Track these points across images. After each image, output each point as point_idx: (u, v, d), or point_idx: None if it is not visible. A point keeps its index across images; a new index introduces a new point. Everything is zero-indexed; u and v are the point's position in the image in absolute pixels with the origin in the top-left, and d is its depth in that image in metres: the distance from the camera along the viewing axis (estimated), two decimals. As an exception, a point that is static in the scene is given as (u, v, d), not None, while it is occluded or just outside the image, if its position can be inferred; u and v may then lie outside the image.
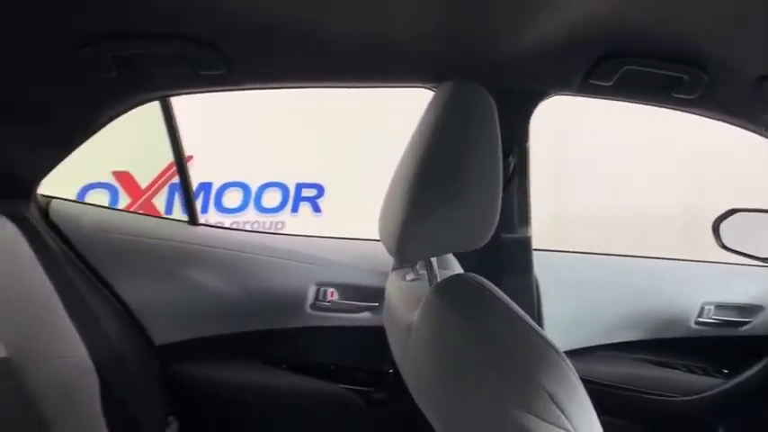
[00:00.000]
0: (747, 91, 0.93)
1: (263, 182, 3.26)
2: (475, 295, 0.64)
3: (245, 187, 3.25)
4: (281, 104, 2.78)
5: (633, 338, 1.34)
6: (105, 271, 1.19)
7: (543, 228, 1.27)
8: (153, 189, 3.01)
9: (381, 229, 0.76)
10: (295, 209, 3.32)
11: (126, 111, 1.05)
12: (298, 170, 3.25)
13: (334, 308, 1.25)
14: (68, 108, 1.00)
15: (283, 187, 3.30)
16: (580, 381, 0.56)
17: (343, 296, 1.25)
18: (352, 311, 1.25)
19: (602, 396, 0.72)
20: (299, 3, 0.78)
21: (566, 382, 0.55)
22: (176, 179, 3.12)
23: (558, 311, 1.22)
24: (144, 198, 3.00)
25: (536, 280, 1.19)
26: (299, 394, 1.24)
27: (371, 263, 1.26)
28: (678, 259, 1.43)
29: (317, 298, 1.24)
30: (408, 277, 0.91)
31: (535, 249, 1.18)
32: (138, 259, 1.22)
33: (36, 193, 1.15)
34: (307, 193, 3.33)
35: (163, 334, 1.24)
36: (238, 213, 3.19)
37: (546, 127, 1.23)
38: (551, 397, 0.53)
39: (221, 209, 3.18)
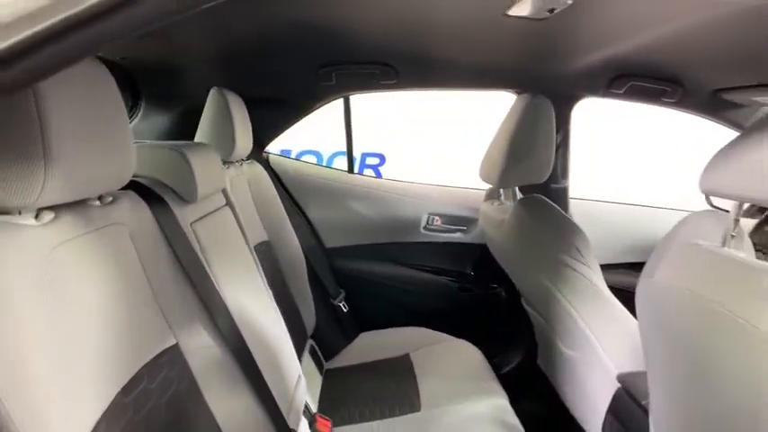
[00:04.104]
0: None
1: (335, 150, 3.81)
2: (542, 204, 1.31)
3: (317, 154, 3.86)
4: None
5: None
6: (299, 199, 1.87)
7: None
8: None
9: (483, 172, 1.42)
10: (360, 173, 3.88)
11: (328, 102, 1.71)
12: (363, 143, 3.75)
13: (439, 229, 1.88)
14: (302, 100, 1.68)
15: (351, 156, 3.88)
16: (591, 247, 1.20)
17: (444, 222, 1.88)
18: (450, 232, 1.88)
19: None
20: (442, 43, 1.20)
21: (586, 245, 1.18)
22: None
23: None
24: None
25: (570, 216, 1.75)
26: (417, 281, 1.87)
27: (462, 201, 1.89)
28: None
29: (427, 222, 1.88)
30: (495, 204, 1.59)
31: (573, 198, 1.79)
32: (318, 193, 1.89)
33: (264, 150, 1.84)
34: (370, 161, 3.86)
35: (330, 240, 1.91)
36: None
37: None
38: (578, 250, 1.17)
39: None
